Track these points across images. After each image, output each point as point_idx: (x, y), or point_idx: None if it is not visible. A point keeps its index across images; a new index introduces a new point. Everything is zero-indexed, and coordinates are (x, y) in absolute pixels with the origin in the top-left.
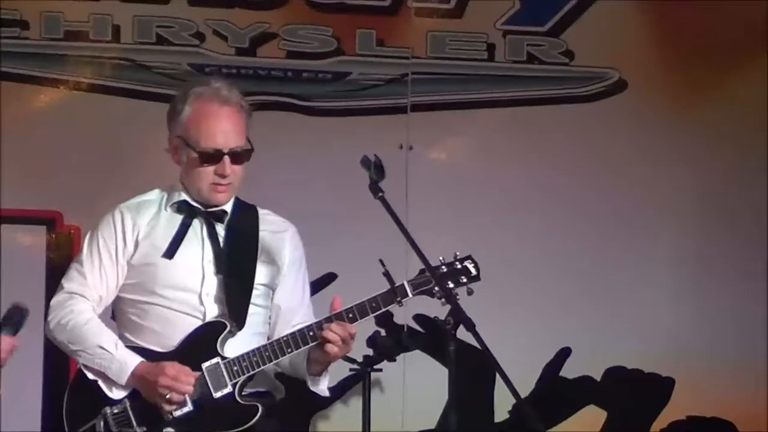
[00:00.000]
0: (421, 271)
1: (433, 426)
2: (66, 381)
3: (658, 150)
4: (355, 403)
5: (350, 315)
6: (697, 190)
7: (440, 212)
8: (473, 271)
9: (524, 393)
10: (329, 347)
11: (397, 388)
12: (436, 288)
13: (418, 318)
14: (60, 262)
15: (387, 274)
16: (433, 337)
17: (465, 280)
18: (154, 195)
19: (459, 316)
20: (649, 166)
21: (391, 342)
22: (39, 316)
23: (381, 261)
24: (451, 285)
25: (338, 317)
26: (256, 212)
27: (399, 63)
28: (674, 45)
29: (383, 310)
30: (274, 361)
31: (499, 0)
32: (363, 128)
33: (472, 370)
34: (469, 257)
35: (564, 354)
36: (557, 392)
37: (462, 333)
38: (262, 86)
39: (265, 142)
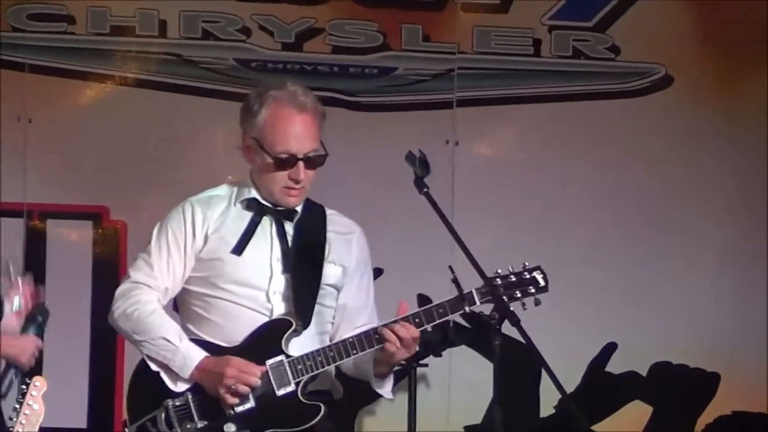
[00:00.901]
0: (489, 279)
1: (478, 421)
2: (112, 373)
3: (703, 145)
4: (401, 398)
5: (417, 320)
6: (742, 185)
7: (486, 208)
8: (542, 282)
9: (570, 388)
10: (389, 346)
11: (443, 383)
12: (504, 297)
13: (464, 313)
14: (106, 256)
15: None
16: (478, 333)
17: (533, 291)
18: (223, 190)
19: (504, 312)
20: (694, 162)
21: (436, 337)
22: (85, 310)
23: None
24: (519, 294)
25: (405, 321)
26: (324, 212)
27: (445, 58)
28: (720, 40)
29: (450, 316)
30: (338, 362)
31: None
32: (409, 123)
33: (518, 366)
34: (538, 267)
35: (610, 349)
36: (603, 388)
37: (507, 328)
38: (308, 81)
39: None
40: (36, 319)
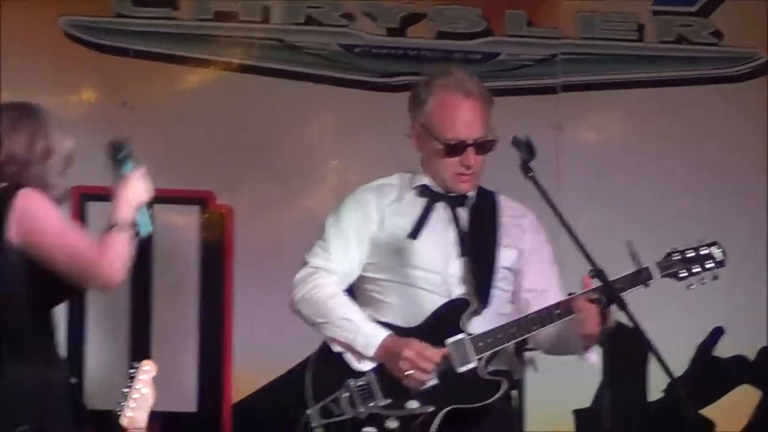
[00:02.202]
0: (668, 254)
1: (587, 404)
2: (221, 357)
3: None
4: None
5: (596, 295)
6: None
7: (591, 192)
8: (719, 256)
9: (677, 372)
10: (574, 319)
11: (551, 366)
12: (683, 272)
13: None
14: (212, 241)
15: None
16: None
17: (711, 266)
18: (395, 179)
19: (611, 295)
20: None
21: None
22: (193, 294)
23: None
24: (698, 270)
25: (585, 296)
26: (496, 198)
27: (548, 43)
28: None
29: (629, 291)
30: (519, 339)
31: None
32: (513, 109)
33: (626, 349)
34: (715, 243)
35: (718, 333)
36: (711, 372)
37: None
38: (412, 66)
39: None
40: (120, 153)
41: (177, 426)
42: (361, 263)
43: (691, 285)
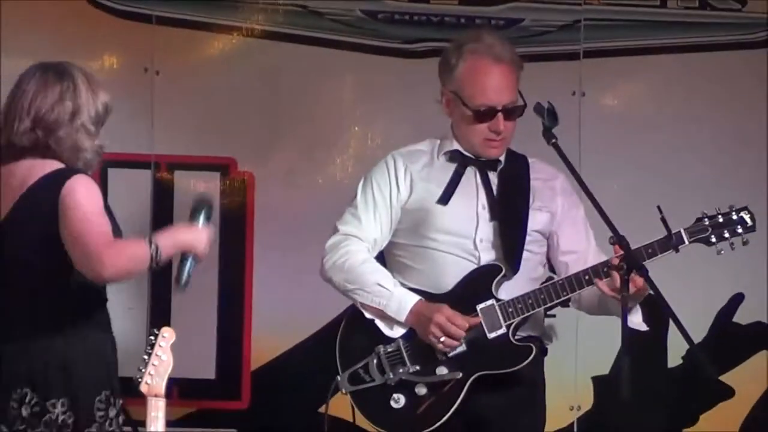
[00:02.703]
0: (698, 219)
1: (606, 372)
2: (240, 324)
3: None
4: None
5: (625, 261)
6: None
7: (613, 158)
8: (749, 221)
9: (697, 339)
10: (601, 286)
11: (571, 333)
12: (713, 237)
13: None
14: (234, 207)
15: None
16: None
17: (741, 231)
18: (425, 145)
19: (632, 262)
20: None
21: None
22: (213, 260)
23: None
24: (728, 235)
25: (613, 264)
26: (527, 161)
27: (572, 9)
28: None
29: (659, 256)
30: (549, 304)
31: None
32: (535, 75)
33: (646, 316)
34: (745, 208)
35: (737, 300)
36: (730, 338)
37: None
38: (435, 33)
39: (438, 89)
40: (201, 207)
41: (195, 392)
42: (392, 229)
43: (721, 250)
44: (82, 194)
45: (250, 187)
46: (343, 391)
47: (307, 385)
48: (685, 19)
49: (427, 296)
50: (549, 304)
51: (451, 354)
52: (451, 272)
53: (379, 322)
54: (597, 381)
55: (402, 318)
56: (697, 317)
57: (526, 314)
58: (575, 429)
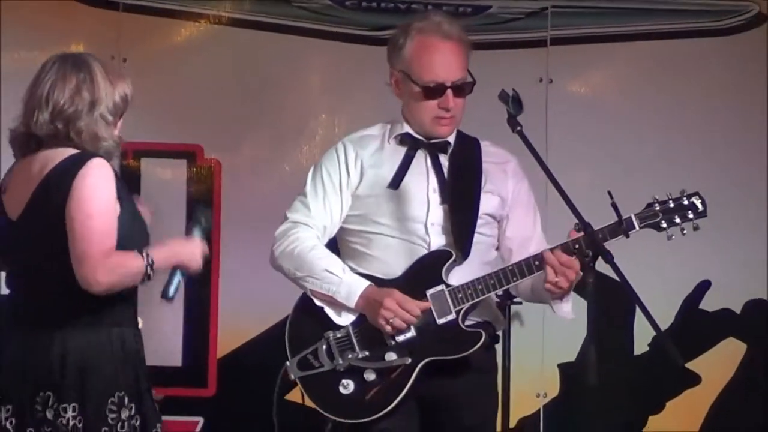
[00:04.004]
0: (648, 205)
1: (572, 359)
2: (207, 312)
3: None
4: None
5: (576, 246)
6: None
7: (579, 146)
8: (700, 207)
9: (664, 326)
10: (549, 271)
11: (537, 320)
12: (663, 223)
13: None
14: (200, 195)
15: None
16: None
17: (692, 216)
18: (376, 129)
19: (597, 248)
20: None
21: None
22: None
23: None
24: (678, 220)
25: (564, 247)
26: (479, 144)
27: None
28: None
29: (609, 241)
30: (498, 290)
31: None
32: (503, 62)
33: (612, 303)
34: (696, 194)
35: (703, 287)
36: (697, 325)
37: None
38: (402, 19)
39: None
40: (198, 221)
41: (162, 380)
42: (342, 216)
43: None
44: (92, 185)
45: (217, 175)
46: (292, 377)
47: (274, 373)
48: (652, 6)
49: (378, 282)
50: (498, 290)
51: (400, 340)
52: (402, 258)
53: (328, 310)
54: (563, 368)
55: (352, 303)
56: (664, 304)
57: (476, 300)
58: (541, 416)
